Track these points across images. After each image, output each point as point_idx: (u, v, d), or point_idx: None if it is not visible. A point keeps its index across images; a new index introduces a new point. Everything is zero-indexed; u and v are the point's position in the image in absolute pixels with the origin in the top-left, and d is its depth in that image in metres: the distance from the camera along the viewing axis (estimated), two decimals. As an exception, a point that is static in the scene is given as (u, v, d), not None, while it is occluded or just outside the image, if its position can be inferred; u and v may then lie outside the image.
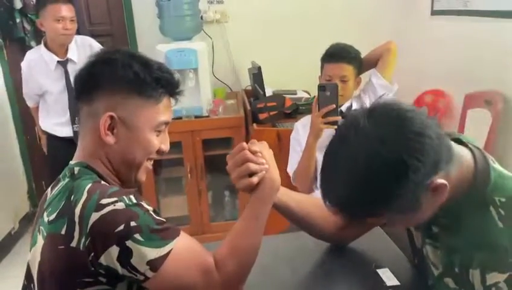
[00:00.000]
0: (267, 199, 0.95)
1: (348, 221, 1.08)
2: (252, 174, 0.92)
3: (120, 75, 0.89)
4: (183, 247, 0.85)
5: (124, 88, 0.90)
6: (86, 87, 0.92)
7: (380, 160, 0.70)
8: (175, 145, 2.61)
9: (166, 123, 0.96)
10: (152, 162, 0.99)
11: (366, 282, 1.06)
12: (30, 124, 3.12)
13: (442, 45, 2.67)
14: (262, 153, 0.94)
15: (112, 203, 0.81)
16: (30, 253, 0.90)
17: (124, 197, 0.83)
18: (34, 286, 0.88)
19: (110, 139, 0.90)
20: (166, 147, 0.98)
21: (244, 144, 0.94)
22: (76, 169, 0.90)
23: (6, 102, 3.02)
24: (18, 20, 2.86)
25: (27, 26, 2.90)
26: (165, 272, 0.82)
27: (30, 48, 2.93)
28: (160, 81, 0.92)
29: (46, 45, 2.41)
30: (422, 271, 0.99)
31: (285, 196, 1.04)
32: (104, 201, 0.81)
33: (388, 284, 1.02)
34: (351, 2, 3.09)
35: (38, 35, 2.93)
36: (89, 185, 0.85)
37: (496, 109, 2.15)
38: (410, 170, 0.69)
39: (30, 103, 2.59)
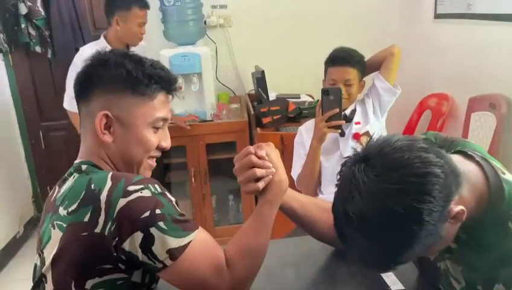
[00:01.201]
0: (274, 201, 0.95)
1: None
2: (258, 178, 0.92)
3: (113, 74, 0.91)
4: (201, 240, 0.87)
5: (118, 87, 0.92)
6: (83, 88, 0.95)
7: (392, 215, 0.68)
8: (179, 150, 2.62)
9: (164, 119, 0.97)
10: (155, 159, 1.00)
11: (370, 286, 1.06)
12: (35, 128, 3.15)
13: (445, 49, 2.66)
14: (269, 155, 0.94)
15: (139, 190, 0.83)
16: (40, 253, 0.90)
17: (150, 185, 0.85)
18: (44, 287, 0.88)
19: (107, 138, 0.92)
20: (166, 143, 0.98)
21: (251, 148, 0.94)
22: (83, 166, 0.91)
23: (11, 107, 3.04)
24: (23, 26, 2.87)
25: (32, 32, 2.92)
26: (182, 262, 0.83)
27: (35, 53, 2.96)
28: (153, 78, 0.93)
29: (106, 39, 2.42)
30: (428, 280, 0.99)
31: (289, 196, 1.03)
32: (131, 188, 0.82)
33: (393, 289, 1.02)
34: (354, 6, 3.09)
35: (44, 41, 2.95)
36: (110, 173, 0.86)
37: (500, 113, 2.15)
38: (425, 214, 0.68)
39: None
